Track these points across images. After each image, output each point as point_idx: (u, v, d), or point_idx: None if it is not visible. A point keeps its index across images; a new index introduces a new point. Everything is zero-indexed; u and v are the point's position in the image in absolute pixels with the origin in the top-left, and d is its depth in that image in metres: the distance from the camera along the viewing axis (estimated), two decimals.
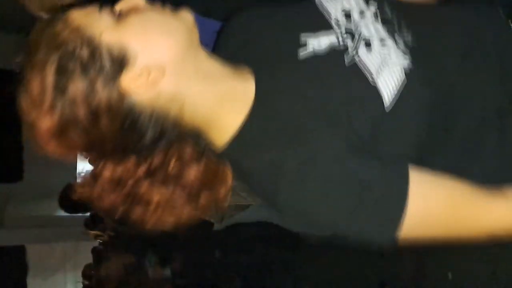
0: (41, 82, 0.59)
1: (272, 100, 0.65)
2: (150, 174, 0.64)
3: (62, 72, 0.59)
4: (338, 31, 0.67)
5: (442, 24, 0.70)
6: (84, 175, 0.67)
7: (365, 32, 0.66)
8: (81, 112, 0.59)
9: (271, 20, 0.72)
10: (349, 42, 0.66)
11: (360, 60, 0.64)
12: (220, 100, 0.65)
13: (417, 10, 0.72)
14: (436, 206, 0.60)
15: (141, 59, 0.61)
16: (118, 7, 0.64)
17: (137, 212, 0.65)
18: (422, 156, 0.63)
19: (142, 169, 0.63)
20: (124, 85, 0.60)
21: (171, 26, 0.63)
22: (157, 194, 0.64)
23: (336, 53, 0.65)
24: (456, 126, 0.68)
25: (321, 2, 0.71)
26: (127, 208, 0.64)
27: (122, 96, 0.60)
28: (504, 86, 0.71)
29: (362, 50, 0.65)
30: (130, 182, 0.63)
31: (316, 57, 0.66)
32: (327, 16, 0.69)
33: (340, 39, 0.66)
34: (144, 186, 0.64)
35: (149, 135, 0.62)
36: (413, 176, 0.59)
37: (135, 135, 0.62)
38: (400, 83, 0.62)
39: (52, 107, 0.59)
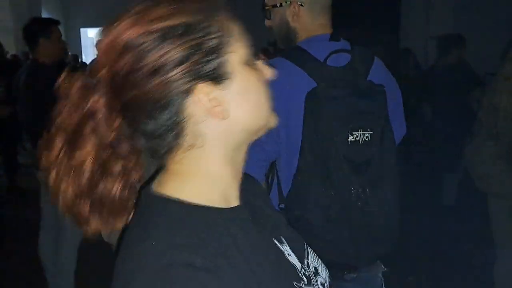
0: (167, 16, 0.61)
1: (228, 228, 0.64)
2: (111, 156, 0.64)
3: (186, 31, 0.61)
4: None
5: None
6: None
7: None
8: (151, 59, 0.60)
9: None
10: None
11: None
12: (214, 179, 0.66)
13: None
14: None
15: (229, 95, 0.64)
16: (260, 57, 0.68)
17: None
18: None
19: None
20: (198, 90, 0.62)
21: (265, 113, 0.68)
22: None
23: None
24: None
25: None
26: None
27: (186, 93, 0.61)
28: None
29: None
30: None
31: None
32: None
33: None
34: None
35: (154, 128, 0.63)
36: None
37: (152, 116, 0.62)
38: None
39: (147, 33, 0.60)
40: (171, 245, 0.58)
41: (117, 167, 0.63)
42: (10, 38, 8.77)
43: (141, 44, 0.60)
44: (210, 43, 0.62)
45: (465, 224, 3.81)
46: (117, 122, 0.63)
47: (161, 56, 0.60)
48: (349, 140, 1.27)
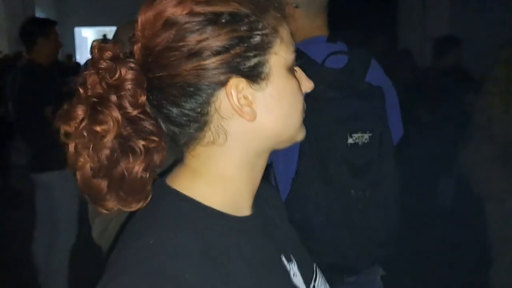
0: (216, 1, 0.58)
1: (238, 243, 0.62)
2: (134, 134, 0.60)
3: (232, 21, 0.58)
4: None
5: None
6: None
7: None
8: (190, 41, 0.57)
9: None
10: None
11: None
12: (229, 183, 0.64)
13: None
14: None
15: (262, 98, 0.61)
16: (297, 69, 0.66)
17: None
18: None
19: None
20: (230, 85, 0.59)
21: (295, 125, 0.65)
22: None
23: None
24: None
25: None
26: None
27: (218, 85, 0.59)
28: None
29: None
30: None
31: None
32: None
33: None
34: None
35: (177, 115, 0.60)
36: None
37: (176, 103, 0.60)
38: None
39: (193, 14, 0.57)
40: (169, 247, 0.55)
41: (139, 147, 0.60)
42: (3, 37, 8.70)
43: (184, 23, 0.57)
44: (254, 39, 0.59)
45: (461, 227, 3.82)
46: (142, 99, 0.60)
47: (201, 41, 0.57)
48: (348, 142, 1.26)
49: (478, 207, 2.52)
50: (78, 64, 9.39)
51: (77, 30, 13.11)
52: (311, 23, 1.45)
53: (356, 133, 1.27)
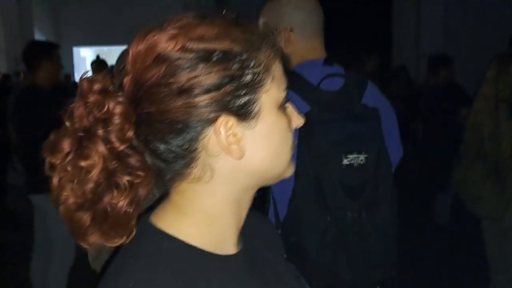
0: (210, 38, 0.58)
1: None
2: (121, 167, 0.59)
3: (224, 59, 0.58)
4: None
5: None
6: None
7: None
8: (181, 78, 0.57)
9: None
10: None
11: None
12: (214, 220, 0.63)
13: None
14: None
15: (250, 136, 0.60)
16: (288, 105, 0.66)
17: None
18: None
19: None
20: (219, 123, 0.58)
21: (283, 162, 0.65)
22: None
23: None
24: None
25: None
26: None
27: (207, 122, 0.58)
28: None
29: None
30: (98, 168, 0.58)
31: None
32: None
33: None
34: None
35: (164, 152, 0.59)
36: None
37: (164, 139, 0.59)
38: None
39: (185, 50, 0.57)
40: None
41: (124, 181, 0.59)
42: (1, 57, 8.74)
43: (175, 60, 0.57)
44: (246, 78, 0.59)
45: (458, 244, 3.80)
46: (129, 134, 0.59)
47: (192, 78, 0.57)
48: (343, 163, 1.26)
49: (475, 224, 2.51)
50: (76, 84, 9.36)
51: (75, 50, 13.18)
52: (307, 45, 1.47)
53: (352, 154, 1.27)
